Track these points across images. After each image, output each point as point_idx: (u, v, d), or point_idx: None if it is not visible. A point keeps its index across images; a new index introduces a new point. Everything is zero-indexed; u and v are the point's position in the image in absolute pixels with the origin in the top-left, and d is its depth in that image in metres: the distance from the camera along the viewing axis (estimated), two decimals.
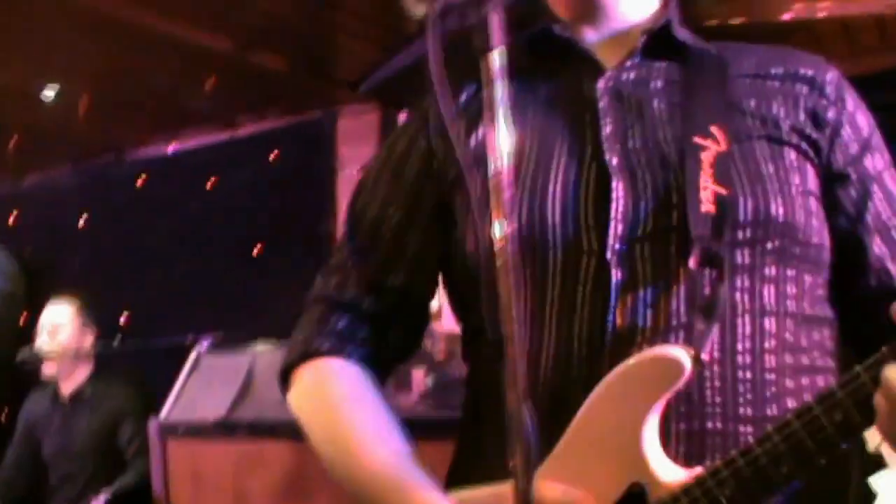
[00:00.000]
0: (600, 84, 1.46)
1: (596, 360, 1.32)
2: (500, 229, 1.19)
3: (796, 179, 1.39)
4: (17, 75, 5.43)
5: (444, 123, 1.44)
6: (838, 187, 1.45)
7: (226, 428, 4.58)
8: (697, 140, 1.37)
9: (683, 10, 1.56)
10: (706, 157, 1.35)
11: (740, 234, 1.34)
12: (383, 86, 5.48)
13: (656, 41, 1.49)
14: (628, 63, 1.48)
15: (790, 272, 1.37)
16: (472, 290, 1.44)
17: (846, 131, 1.46)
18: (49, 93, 5.49)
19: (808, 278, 1.40)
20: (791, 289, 1.37)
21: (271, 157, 6.47)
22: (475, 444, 1.48)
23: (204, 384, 5.08)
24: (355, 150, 6.18)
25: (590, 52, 1.51)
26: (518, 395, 1.14)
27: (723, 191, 1.33)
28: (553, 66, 1.52)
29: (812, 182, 1.42)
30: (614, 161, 1.39)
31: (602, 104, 1.44)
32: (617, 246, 1.34)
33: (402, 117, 6.14)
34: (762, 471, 1.23)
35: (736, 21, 4.43)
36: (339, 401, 1.51)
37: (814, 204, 1.42)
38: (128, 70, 5.03)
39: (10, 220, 7.10)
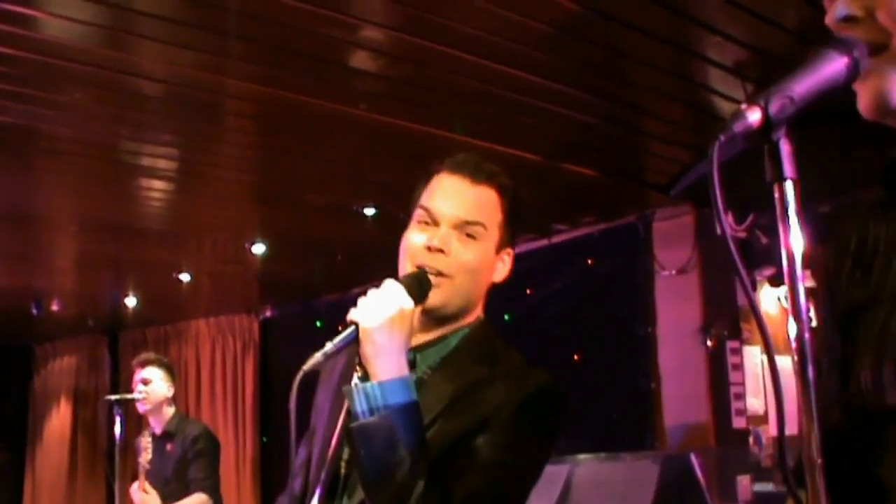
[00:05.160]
0: None
1: None
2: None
3: None
4: (339, 197, 5.75)
5: None
6: None
7: None
8: None
9: None
10: None
11: None
12: (696, 187, 5.37)
13: None
14: None
15: None
16: None
17: None
18: (369, 210, 5.77)
19: None
20: None
21: (588, 262, 6.48)
22: None
23: None
24: (672, 252, 6.09)
25: None
26: None
27: None
28: None
29: None
30: None
31: None
32: None
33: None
34: None
35: None
36: None
37: None
38: None
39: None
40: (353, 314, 1.87)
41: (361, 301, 1.89)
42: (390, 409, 1.82)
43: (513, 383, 1.94)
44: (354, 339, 1.86)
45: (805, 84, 1.19)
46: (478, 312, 2.11)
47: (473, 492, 1.82)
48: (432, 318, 2.05)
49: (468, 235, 2.02)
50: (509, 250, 2.11)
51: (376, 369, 1.85)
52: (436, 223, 2.03)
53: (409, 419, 1.82)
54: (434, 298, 1.99)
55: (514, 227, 2.13)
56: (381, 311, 1.86)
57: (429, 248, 2.00)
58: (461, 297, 2.03)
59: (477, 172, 2.07)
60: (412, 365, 2.03)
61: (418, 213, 2.07)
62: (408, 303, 1.90)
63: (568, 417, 2.04)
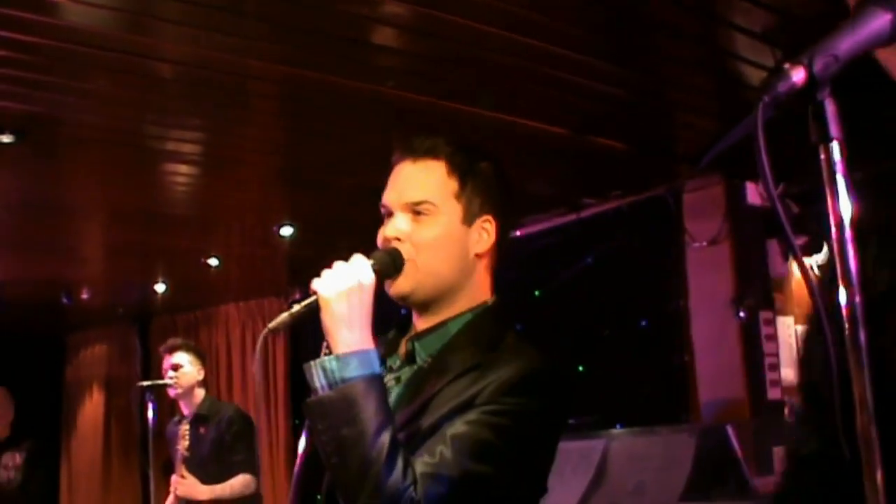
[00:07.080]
0: None
1: None
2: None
3: None
4: (366, 176, 5.70)
5: None
6: None
7: None
8: None
9: None
10: None
11: None
12: (725, 158, 5.33)
13: None
14: None
15: None
16: None
17: None
18: None
19: None
20: None
21: (617, 236, 6.43)
22: None
23: (555, 470, 5.03)
24: (702, 224, 6.03)
25: None
26: None
27: None
28: None
29: None
30: None
31: None
32: None
33: (748, 187, 5.95)
34: None
35: None
36: None
37: None
38: None
39: None
40: (313, 283, 1.86)
41: (325, 272, 1.87)
42: (348, 383, 1.78)
43: (503, 366, 1.87)
44: (316, 309, 1.86)
45: (848, 42, 1.15)
46: (481, 296, 2.05)
47: (439, 465, 1.76)
48: (415, 305, 2.02)
49: (418, 214, 1.98)
50: (488, 217, 2.02)
51: (335, 342, 1.84)
52: (391, 214, 2.01)
53: (367, 393, 1.78)
54: (403, 285, 1.96)
55: (485, 191, 2.04)
56: (339, 282, 1.84)
57: (386, 240, 1.98)
58: (431, 276, 1.98)
59: (416, 150, 2.03)
60: (412, 354, 2.02)
61: (382, 211, 2.05)
62: (367, 277, 1.87)
63: (571, 400, 1.96)
